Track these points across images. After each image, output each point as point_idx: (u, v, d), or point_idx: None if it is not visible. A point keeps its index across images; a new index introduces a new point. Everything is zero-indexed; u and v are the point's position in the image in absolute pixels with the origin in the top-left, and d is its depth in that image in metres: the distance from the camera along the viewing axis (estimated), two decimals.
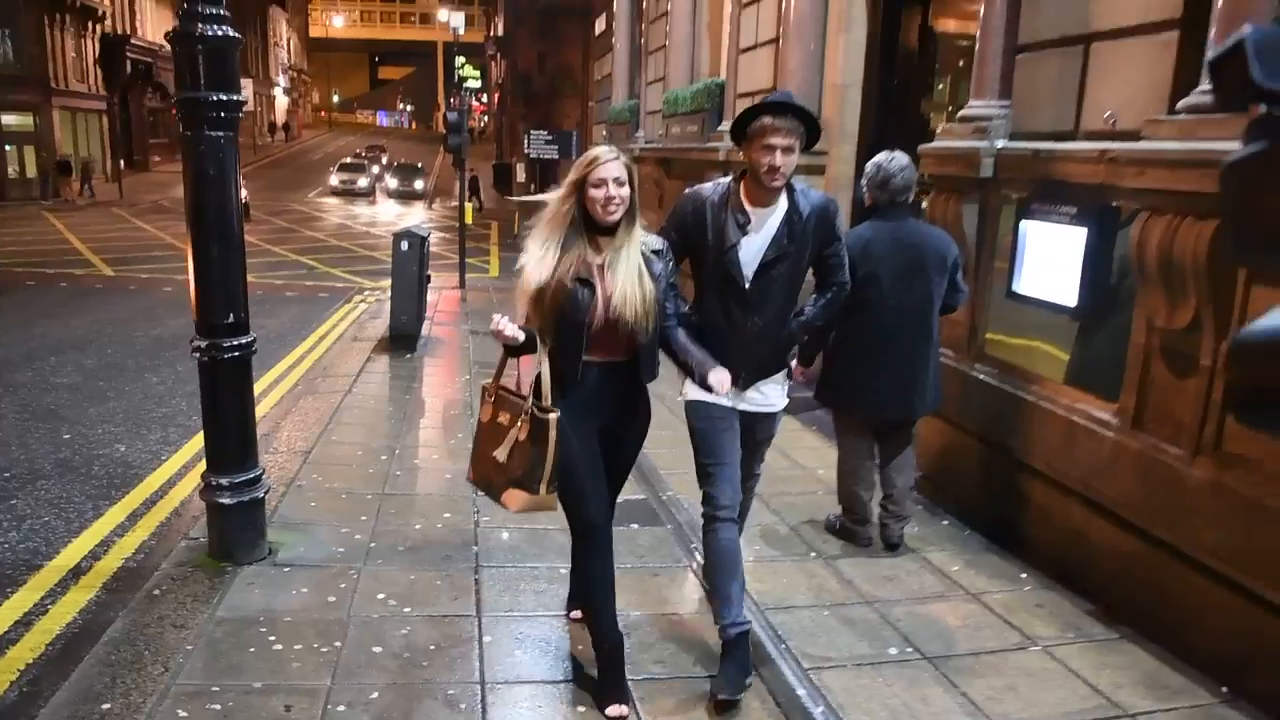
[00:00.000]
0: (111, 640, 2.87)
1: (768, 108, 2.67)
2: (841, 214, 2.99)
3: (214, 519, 3.41)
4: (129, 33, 36.34)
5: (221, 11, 3.07)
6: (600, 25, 15.48)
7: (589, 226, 2.51)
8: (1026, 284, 3.78)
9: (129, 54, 35.56)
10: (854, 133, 6.07)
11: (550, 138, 15.14)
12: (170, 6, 41.67)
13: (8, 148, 28.91)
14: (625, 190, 2.49)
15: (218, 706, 2.53)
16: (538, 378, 2.52)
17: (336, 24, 77.57)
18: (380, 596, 3.25)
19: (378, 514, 4.06)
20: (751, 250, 2.77)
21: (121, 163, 31.90)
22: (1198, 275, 2.85)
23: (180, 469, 4.93)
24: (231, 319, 3.29)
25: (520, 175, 29.06)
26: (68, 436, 5.49)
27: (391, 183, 32.41)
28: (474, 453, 2.69)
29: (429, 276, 8.82)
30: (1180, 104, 2.97)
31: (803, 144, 2.71)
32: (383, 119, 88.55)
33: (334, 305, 11.48)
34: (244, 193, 24.07)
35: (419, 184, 32.08)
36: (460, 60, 68.76)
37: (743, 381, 2.86)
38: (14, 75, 28.41)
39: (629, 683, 2.70)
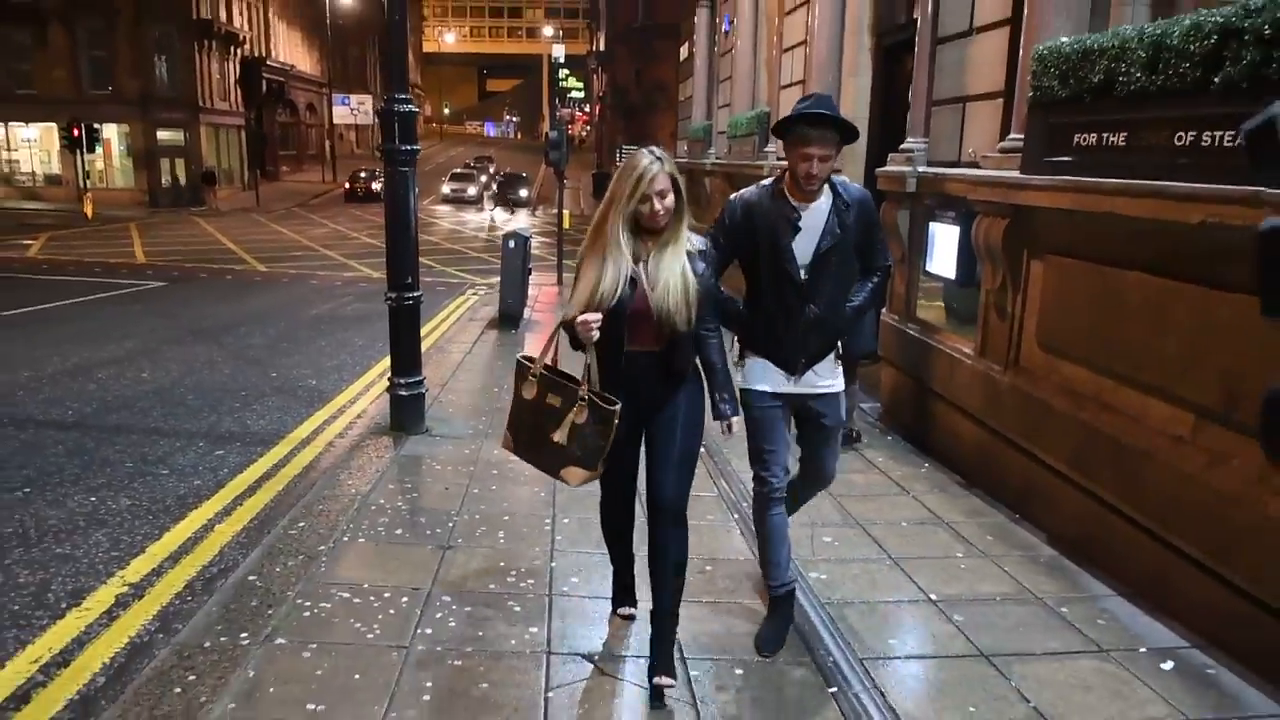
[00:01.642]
0: (339, 465, 5.08)
1: (806, 118, 2.87)
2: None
3: (395, 404, 5.62)
4: (264, 55, 40.55)
5: (408, 96, 5.27)
6: (685, 51, 17.60)
7: (638, 231, 2.70)
8: (933, 265, 5.61)
9: (264, 74, 39.73)
10: (861, 155, 7.91)
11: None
12: (299, 29, 46.21)
13: (163, 161, 33.29)
14: (670, 200, 2.65)
15: (409, 485, 4.69)
16: (587, 366, 2.73)
17: (448, 40, 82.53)
18: (496, 454, 5.35)
19: (491, 417, 6.20)
20: (805, 243, 2.97)
21: (258, 173, 35.79)
22: (999, 254, 4.68)
23: (357, 394, 7.23)
24: (409, 280, 5.48)
25: None
26: (274, 375, 7.90)
27: (499, 191, 35.39)
28: (513, 424, 2.86)
29: (530, 270, 11.06)
30: (997, 146, 4.80)
31: (839, 147, 2.94)
32: (490, 129, 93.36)
33: (451, 297, 13.89)
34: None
35: (524, 192, 34.96)
36: (564, 72, 72.44)
37: (802, 368, 3.09)
38: (169, 97, 32.73)
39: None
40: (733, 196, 3.13)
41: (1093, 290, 4.05)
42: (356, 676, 2.84)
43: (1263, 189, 2.92)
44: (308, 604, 3.30)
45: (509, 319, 10.34)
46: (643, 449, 2.92)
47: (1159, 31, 3.48)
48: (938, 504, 4.72)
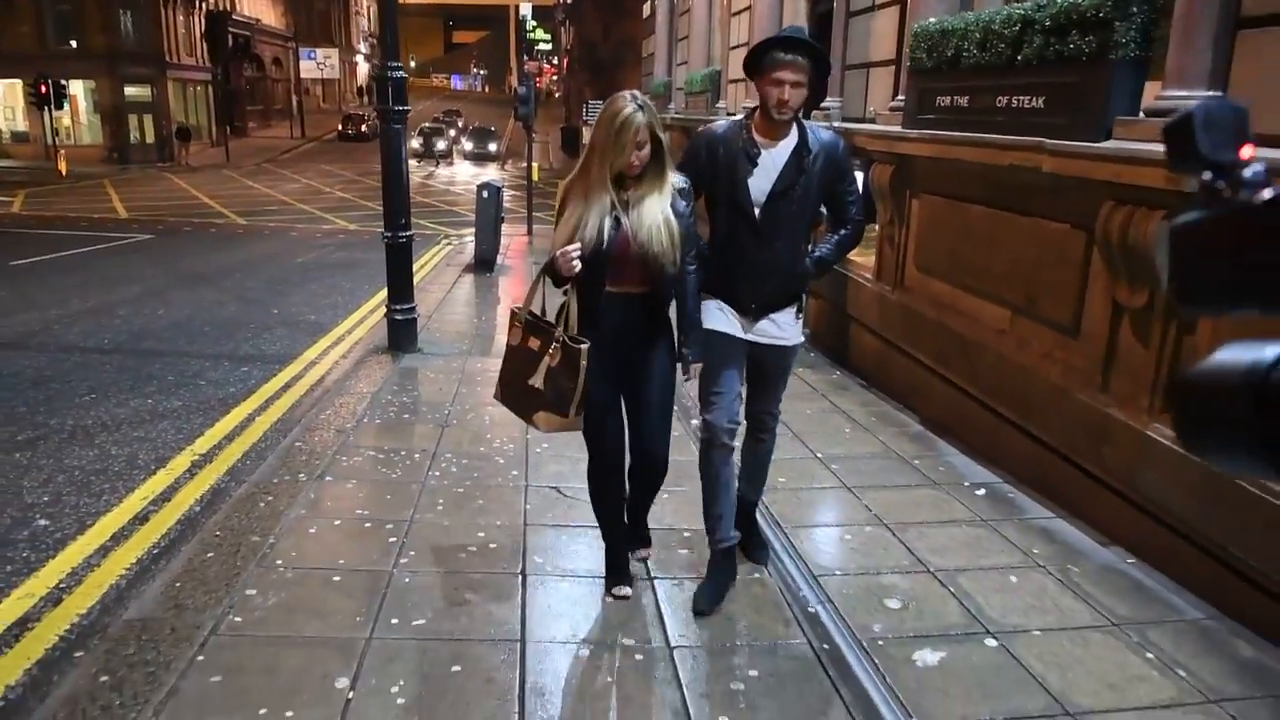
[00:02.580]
0: (350, 374, 6.13)
1: (779, 43, 2.81)
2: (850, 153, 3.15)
3: (392, 327, 6.65)
4: (230, 9, 40.33)
5: (399, 64, 6.24)
6: (648, 8, 18.40)
7: (618, 178, 2.70)
8: None
9: (230, 29, 39.58)
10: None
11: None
12: None
13: (130, 117, 33.38)
14: (646, 151, 2.66)
15: (409, 386, 5.77)
16: (563, 307, 2.76)
17: None
18: (479, 365, 6.43)
19: (473, 340, 7.26)
20: (761, 182, 2.90)
21: (228, 129, 35.95)
22: (887, 194, 5.80)
23: (353, 325, 8.26)
24: (404, 221, 6.49)
25: (586, 138, 32.25)
26: (275, 311, 8.89)
27: (467, 145, 35.89)
28: (503, 373, 2.93)
29: (503, 218, 12.03)
30: (888, 105, 5.90)
31: (812, 79, 2.83)
32: (457, 83, 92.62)
33: (426, 247, 14.79)
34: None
35: (493, 146, 35.53)
36: (532, 24, 72.03)
37: (754, 311, 3.02)
38: (135, 52, 32.74)
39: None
40: (700, 130, 3.12)
41: (951, 221, 5.19)
42: (388, 497, 3.95)
43: (1044, 140, 4.05)
44: (344, 459, 4.39)
45: (484, 263, 11.34)
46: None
47: (987, 18, 4.57)
48: (840, 399, 5.88)
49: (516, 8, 75.75)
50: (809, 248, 3.09)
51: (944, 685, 2.75)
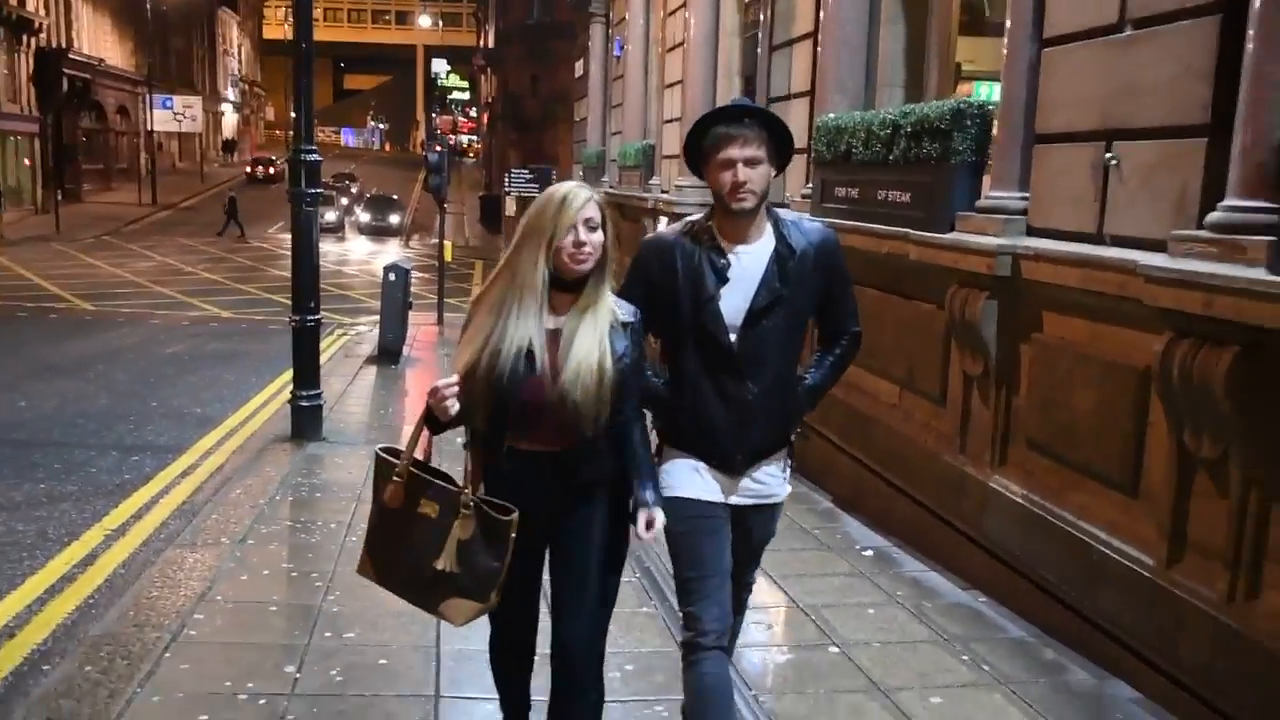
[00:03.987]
0: (254, 460, 7.69)
1: (719, 115, 2.90)
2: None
3: (296, 414, 8.26)
4: (66, 46, 42.29)
5: (314, 146, 8.06)
6: (580, 68, 20.87)
7: (552, 282, 2.69)
8: None
9: (66, 70, 41.46)
10: None
11: (530, 175, 20.36)
12: (108, 14, 48.29)
13: None
14: (598, 236, 2.67)
15: (318, 469, 7.36)
16: (469, 463, 2.79)
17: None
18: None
19: (381, 431, 8.89)
20: (735, 299, 2.91)
21: (58, 192, 37.42)
22: None
23: (246, 417, 9.83)
24: (312, 304, 8.19)
25: (510, 208, 34.56)
26: (154, 404, 10.42)
27: (363, 217, 37.95)
28: (372, 542, 2.83)
29: (411, 303, 13.79)
30: (800, 192, 7.86)
31: (773, 156, 2.88)
32: (348, 138, 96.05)
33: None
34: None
35: (395, 218, 37.69)
36: (443, 67, 75.87)
37: (739, 466, 3.02)
38: None
39: None
40: (647, 238, 3.15)
41: (1040, 375, 6.83)
42: (310, 555, 5.52)
43: (909, 230, 5.96)
44: (262, 528, 5.95)
45: (388, 354, 13.03)
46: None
47: (869, 119, 6.56)
48: None
49: (425, 50, 79.80)
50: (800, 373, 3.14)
51: (784, 674, 4.38)
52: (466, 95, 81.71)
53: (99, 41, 46.98)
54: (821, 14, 7.81)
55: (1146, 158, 4.36)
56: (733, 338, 2.95)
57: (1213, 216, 3.82)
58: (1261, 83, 3.63)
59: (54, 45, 41.26)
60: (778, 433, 3.10)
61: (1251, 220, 3.62)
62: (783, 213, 3.10)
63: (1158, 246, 4.10)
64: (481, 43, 55.94)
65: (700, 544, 3.00)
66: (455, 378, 2.68)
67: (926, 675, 4.40)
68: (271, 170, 51.93)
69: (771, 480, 3.14)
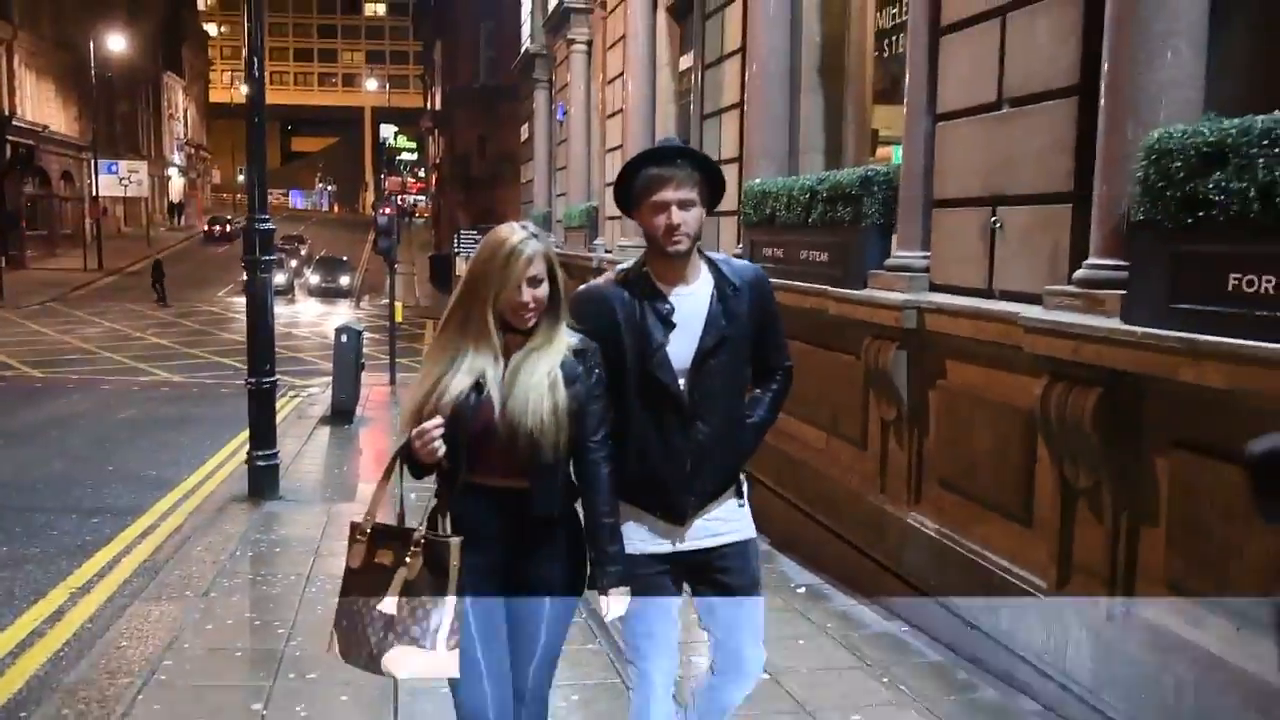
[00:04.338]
0: (212, 519, 7.98)
1: (648, 157, 2.91)
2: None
3: (253, 474, 8.56)
4: (9, 113, 42.39)
5: (268, 216, 8.46)
6: (525, 131, 21.48)
7: (503, 326, 2.72)
8: None
9: (8, 137, 41.54)
10: None
11: (479, 237, 20.84)
12: (52, 80, 48.43)
13: None
14: (544, 290, 2.69)
15: (276, 526, 7.66)
16: (432, 507, 2.75)
17: (243, 90, 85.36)
18: (345, 508, 8.35)
19: (336, 489, 9.20)
20: (682, 344, 2.93)
21: (2, 260, 37.30)
22: None
23: (203, 478, 10.09)
24: (268, 367, 8.53)
25: (460, 268, 35.05)
26: (110, 468, 10.64)
27: (313, 279, 38.20)
28: (339, 614, 2.75)
29: (363, 364, 14.12)
30: (732, 252, 8.39)
31: (705, 196, 2.90)
32: (297, 200, 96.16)
33: None
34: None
35: (345, 280, 37.96)
36: (391, 131, 76.70)
37: (692, 512, 2.99)
38: None
39: None
40: (581, 291, 3.11)
41: (947, 418, 7.31)
42: (271, 606, 5.83)
43: (828, 288, 6.47)
44: (224, 581, 6.26)
45: (342, 414, 13.32)
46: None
47: (790, 184, 7.10)
48: None
49: (371, 111, 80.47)
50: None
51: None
52: (414, 156, 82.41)
53: (42, 108, 47.04)
54: (746, 85, 8.39)
55: (1024, 221, 4.91)
56: (682, 383, 2.94)
57: (1078, 273, 4.35)
58: (1110, 156, 4.18)
59: None
60: (728, 472, 3.08)
61: (1108, 276, 4.15)
62: (711, 253, 3.10)
63: (1036, 300, 4.62)
64: (429, 104, 56.69)
65: (647, 600, 2.96)
66: (439, 419, 2.62)
67: (849, 696, 4.81)
68: (228, 229, 55.45)
69: (728, 517, 3.08)
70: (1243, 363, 3.40)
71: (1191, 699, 3.81)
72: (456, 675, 2.67)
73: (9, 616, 6.03)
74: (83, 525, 8.19)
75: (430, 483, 2.86)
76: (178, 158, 69.12)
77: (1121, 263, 4.09)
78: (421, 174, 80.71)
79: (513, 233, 2.72)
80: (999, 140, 5.11)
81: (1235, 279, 3.49)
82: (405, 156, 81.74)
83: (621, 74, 12.63)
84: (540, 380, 2.68)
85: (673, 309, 2.93)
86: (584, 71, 15.21)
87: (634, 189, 2.91)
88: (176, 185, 68.26)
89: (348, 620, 2.72)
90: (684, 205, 2.83)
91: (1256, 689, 3.54)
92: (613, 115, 13.25)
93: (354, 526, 2.77)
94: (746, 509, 3.16)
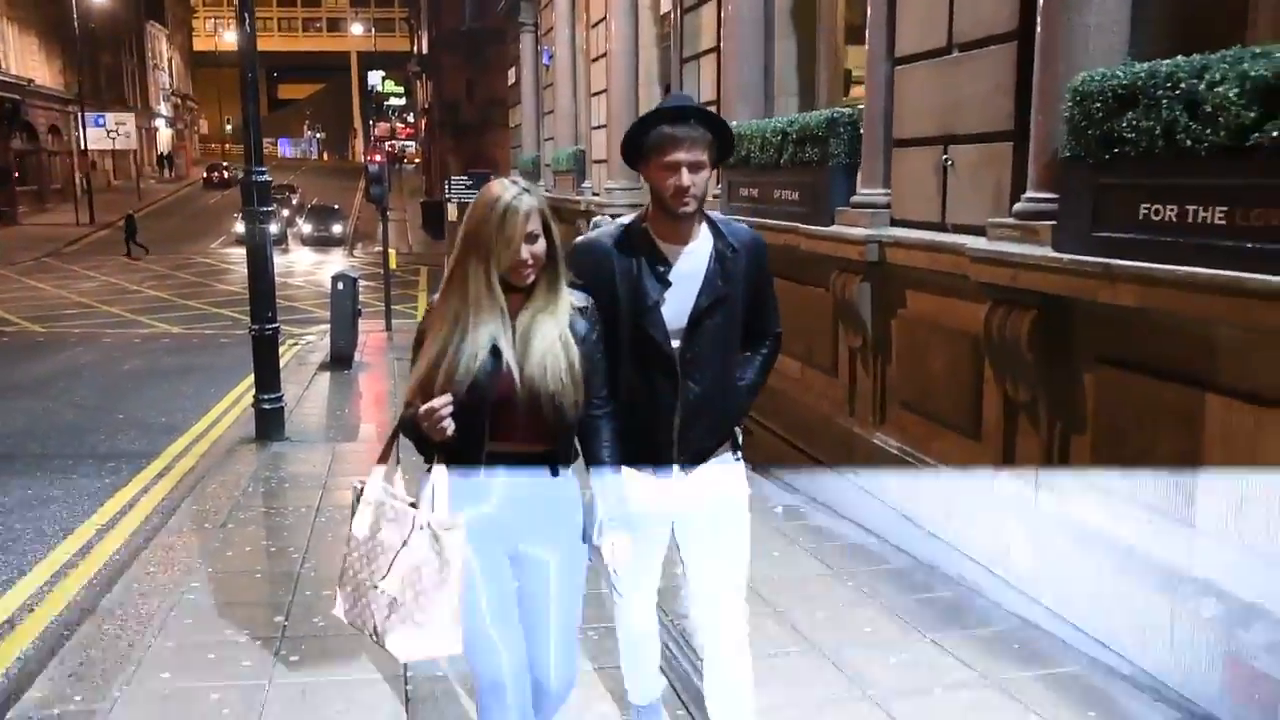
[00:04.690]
0: (224, 459, 8.45)
1: (666, 115, 2.87)
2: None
3: (260, 417, 9.02)
4: None
5: (264, 169, 8.82)
6: (512, 75, 21.65)
7: (504, 286, 2.66)
8: None
9: None
10: None
11: (470, 182, 21.06)
12: (35, 34, 48.14)
13: None
14: (541, 246, 2.65)
15: (284, 464, 8.14)
16: (432, 483, 2.66)
17: (227, 38, 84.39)
18: (349, 448, 8.82)
19: (339, 430, 9.67)
20: (677, 302, 2.95)
21: None
22: None
23: (211, 423, 10.55)
24: (270, 314, 8.95)
25: (452, 214, 35.25)
26: (120, 416, 11.08)
27: (306, 228, 38.38)
28: (343, 574, 2.78)
29: (360, 311, 14.52)
30: (711, 193, 8.78)
31: (714, 157, 2.89)
32: (285, 148, 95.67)
33: None
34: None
35: (338, 228, 38.14)
36: (379, 75, 76.13)
37: (680, 469, 3.05)
38: None
39: None
40: (579, 241, 3.15)
41: (906, 345, 7.76)
42: (285, 534, 6.32)
43: (799, 225, 6.88)
44: (240, 514, 6.74)
45: (340, 360, 13.76)
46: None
47: (763, 127, 7.47)
48: None
49: (358, 56, 79.78)
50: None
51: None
52: (403, 101, 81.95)
53: (26, 62, 46.80)
54: (722, 29, 8.71)
55: (972, 159, 5.31)
56: (675, 343, 2.96)
57: (1017, 206, 4.77)
58: (1044, 97, 4.57)
59: None
60: (720, 432, 3.12)
61: (1042, 209, 4.56)
62: (711, 213, 3.10)
63: (982, 232, 5.03)
64: (415, 49, 56.36)
65: (634, 553, 2.99)
66: (449, 396, 2.57)
67: (815, 599, 5.30)
68: (225, 175, 57.43)
69: (720, 476, 3.13)
70: (1150, 284, 3.83)
71: (1111, 584, 4.30)
72: (459, 653, 2.70)
73: (42, 551, 6.51)
74: (100, 469, 8.66)
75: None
76: (164, 108, 68.73)
77: (1053, 196, 4.51)
78: (410, 119, 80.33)
79: (505, 190, 2.65)
80: (950, 83, 5.49)
81: (1145, 208, 3.91)
82: (394, 102, 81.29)
83: (605, 18, 12.89)
84: (554, 342, 2.67)
85: (670, 267, 2.95)
86: (568, 15, 15.42)
87: (644, 146, 2.88)
88: (164, 136, 67.96)
89: (353, 588, 2.74)
90: (694, 168, 2.82)
91: (1164, 571, 4.03)
92: (597, 59, 13.52)
93: (356, 490, 2.79)
94: (740, 466, 3.22)
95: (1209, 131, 3.55)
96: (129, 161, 56.73)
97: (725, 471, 3.16)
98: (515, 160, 20.79)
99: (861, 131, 6.43)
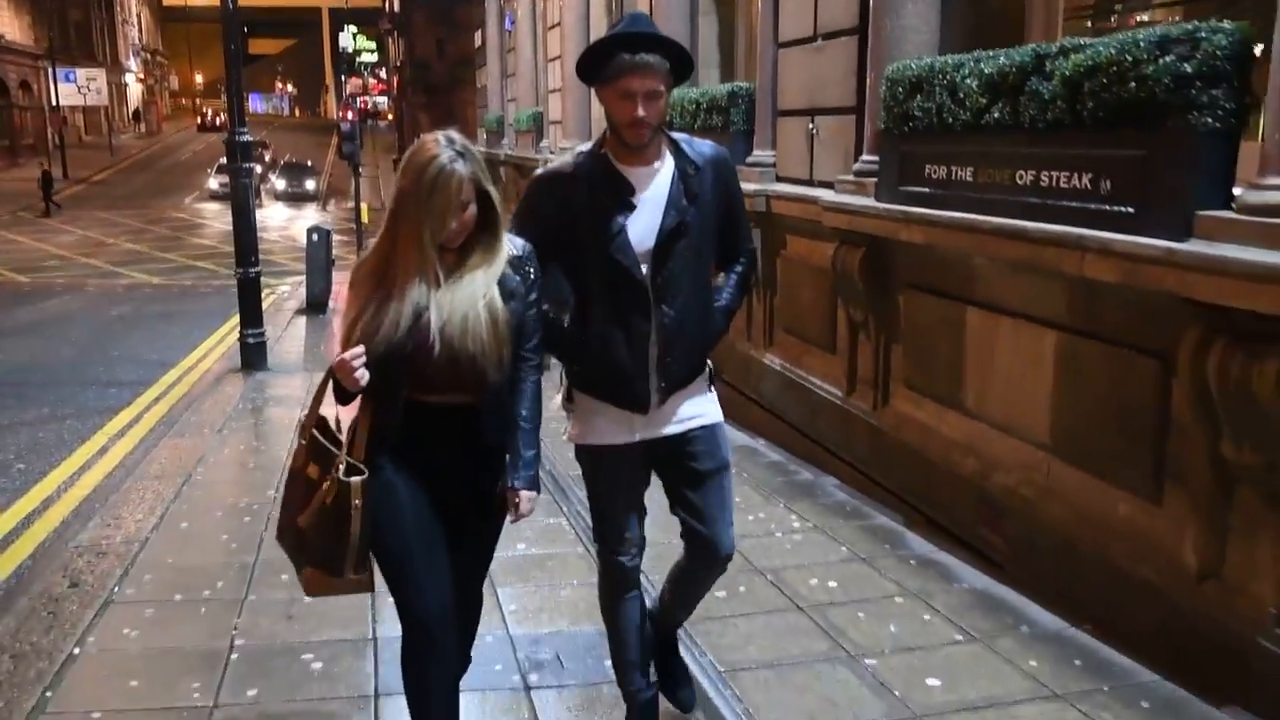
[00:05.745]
0: (214, 384, 9.72)
1: (621, 41, 2.77)
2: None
3: (245, 350, 10.29)
4: None
5: (246, 129, 10.02)
6: (479, 38, 22.74)
7: (437, 245, 2.63)
8: None
9: None
10: None
11: None
12: None
13: None
14: (472, 212, 2.63)
15: (268, 389, 9.43)
16: (352, 426, 2.73)
17: None
18: (318, 379, 10.08)
19: (315, 362, 10.93)
20: (643, 225, 2.89)
21: None
22: None
23: (198, 359, 11.81)
24: (253, 258, 10.19)
25: None
26: (115, 354, 12.32)
27: (279, 184, 39.26)
28: (283, 505, 2.86)
29: (334, 261, 15.74)
30: None
31: (670, 83, 2.82)
32: (256, 104, 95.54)
33: None
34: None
35: (310, 184, 39.09)
36: (351, 31, 76.36)
37: (657, 400, 2.98)
38: None
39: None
40: (538, 173, 3.12)
41: (786, 280, 9.06)
42: (272, 437, 7.61)
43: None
44: (233, 423, 8.02)
45: (315, 305, 15.00)
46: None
47: (681, 96, 8.74)
48: None
49: (329, 12, 79.76)
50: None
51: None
52: (375, 57, 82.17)
53: None
54: (653, 7, 9.95)
55: (830, 127, 6.63)
56: (644, 267, 2.91)
57: (855, 166, 6.10)
58: (873, 81, 5.88)
59: None
60: (696, 359, 3.07)
61: (869, 168, 5.89)
62: (673, 134, 3.02)
63: (833, 186, 6.35)
64: (388, 6, 56.87)
65: (613, 487, 3.07)
66: (361, 348, 2.60)
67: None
68: (218, 120, 63.45)
69: (698, 403, 3.11)
70: (929, 225, 5.17)
71: (919, 458, 5.68)
72: (367, 595, 2.87)
73: (64, 453, 7.78)
74: (104, 394, 9.92)
75: None
76: (134, 64, 68.91)
77: (876, 159, 5.82)
78: (383, 74, 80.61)
79: (440, 152, 2.59)
80: (815, 65, 6.79)
81: (928, 169, 5.24)
82: (365, 58, 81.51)
83: None
84: (476, 299, 2.65)
85: (633, 190, 2.90)
86: None
87: (600, 71, 2.81)
88: (135, 92, 68.19)
89: (283, 517, 2.84)
90: (650, 97, 2.77)
91: (953, 444, 5.41)
92: (553, 27, 14.70)
93: (300, 425, 2.88)
94: (714, 394, 3.20)
95: (961, 112, 4.87)
96: (99, 117, 57.14)
97: (699, 396, 3.13)
98: (481, 120, 21.95)
99: (753, 103, 7.73)
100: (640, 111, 2.75)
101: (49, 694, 3.71)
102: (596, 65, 2.83)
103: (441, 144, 2.61)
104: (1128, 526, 4.22)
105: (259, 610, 4.47)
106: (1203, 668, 3.78)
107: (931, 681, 3.91)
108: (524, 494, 2.80)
